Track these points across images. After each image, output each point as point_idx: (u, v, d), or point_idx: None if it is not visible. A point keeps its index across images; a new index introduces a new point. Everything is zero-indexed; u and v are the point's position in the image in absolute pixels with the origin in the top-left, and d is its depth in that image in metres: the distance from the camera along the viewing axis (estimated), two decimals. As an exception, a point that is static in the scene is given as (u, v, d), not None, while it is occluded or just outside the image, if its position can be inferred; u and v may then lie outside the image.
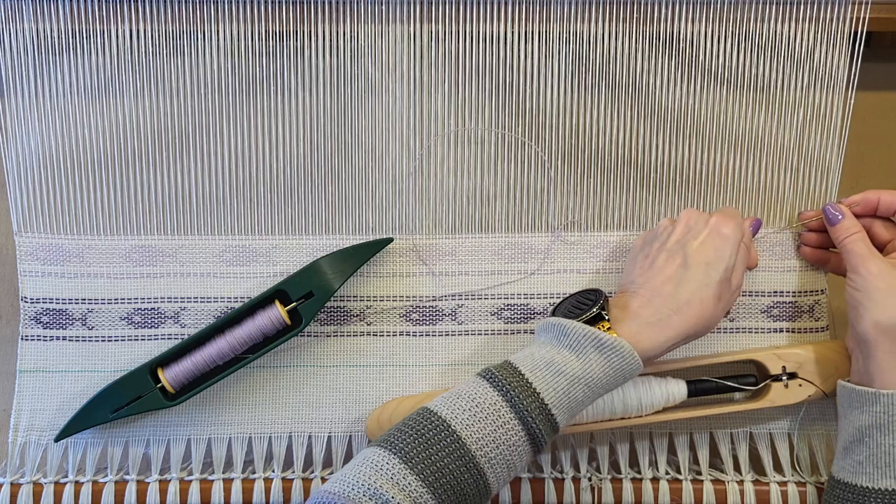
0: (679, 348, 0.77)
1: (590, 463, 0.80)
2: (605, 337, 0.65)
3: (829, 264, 0.78)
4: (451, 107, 0.77)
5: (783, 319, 0.80)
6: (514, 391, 0.63)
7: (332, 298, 0.78)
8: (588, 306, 0.68)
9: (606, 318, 0.67)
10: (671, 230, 0.72)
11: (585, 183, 0.78)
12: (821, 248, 0.78)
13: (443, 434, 0.62)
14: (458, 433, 0.62)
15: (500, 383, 0.64)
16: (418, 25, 0.75)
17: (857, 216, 0.74)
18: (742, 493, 0.79)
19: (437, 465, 0.61)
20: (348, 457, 0.80)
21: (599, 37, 0.75)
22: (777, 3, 0.75)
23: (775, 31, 0.75)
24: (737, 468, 0.80)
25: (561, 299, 0.74)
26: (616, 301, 0.70)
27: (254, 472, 0.79)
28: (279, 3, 0.74)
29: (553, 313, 0.71)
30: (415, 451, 0.61)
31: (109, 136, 0.77)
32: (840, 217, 0.74)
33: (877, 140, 0.84)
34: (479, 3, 0.75)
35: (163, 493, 0.78)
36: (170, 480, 0.78)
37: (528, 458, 0.65)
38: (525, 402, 0.63)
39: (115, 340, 0.78)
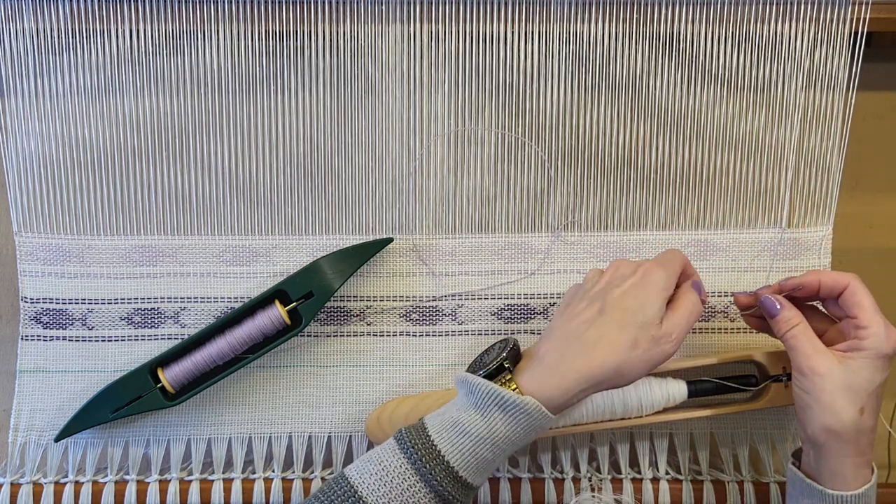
0: (679, 348, 0.76)
1: (590, 463, 0.80)
2: (508, 396, 0.63)
3: (767, 329, 0.73)
4: (451, 107, 0.77)
5: (783, 320, 0.80)
6: (417, 453, 0.62)
7: (332, 298, 0.78)
8: (496, 357, 0.66)
9: (508, 367, 0.65)
10: (597, 280, 0.68)
11: (585, 183, 0.78)
12: (760, 318, 0.73)
13: (349, 500, 0.62)
14: (365, 499, 0.61)
15: (405, 445, 0.63)
16: (418, 25, 0.75)
17: (799, 299, 0.70)
18: (742, 493, 0.79)
19: None
20: (348, 457, 0.80)
21: (599, 37, 0.75)
22: (777, 4, 0.74)
23: (775, 32, 0.75)
24: (737, 468, 0.80)
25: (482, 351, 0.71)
26: (528, 348, 0.68)
27: (254, 472, 0.79)
28: (279, 3, 0.74)
29: (471, 365, 0.69)
30: None
31: (109, 136, 0.77)
32: (779, 308, 0.69)
33: (877, 140, 0.84)
34: (479, 3, 0.75)
35: (163, 493, 0.78)
36: (170, 480, 0.79)
37: None
38: (429, 465, 0.62)
39: (115, 340, 0.78)
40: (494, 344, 0.70)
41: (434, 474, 0.62)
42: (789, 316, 0.69)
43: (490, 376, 0.65)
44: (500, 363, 0.66)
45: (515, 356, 0.67)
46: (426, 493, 0.62)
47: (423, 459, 0.62)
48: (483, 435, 0.63)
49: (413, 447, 0.63)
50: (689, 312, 0.67)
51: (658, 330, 0.65)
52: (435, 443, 0.63)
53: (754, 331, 0.75)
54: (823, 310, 0.73)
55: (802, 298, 0.71)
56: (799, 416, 0.68)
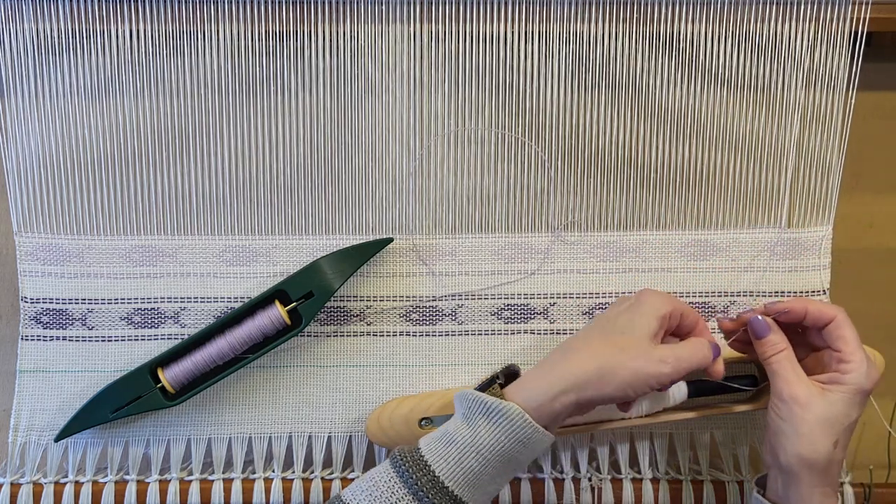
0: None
1: (590, 463, 0.80)
2: (490, 401, 0.63)
3: (752, 353, 0.72)
4: (451, 107, 0.77)
5: (783, 320, 0.80)
6: (405, 465, 0.63)
7: (332, 298, 0.78)
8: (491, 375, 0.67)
9: (499, 382, 0.66)
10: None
11: (585, 183, 0.78)
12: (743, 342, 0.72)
13: None
14: None
15: (395, 460, 0.64)
16: (418, 25, 0.75)
17: (783, 324, 0.70)
18: (742, 493, 0.79)
19: None
20: (348, 457, 0.80)
21: (599, 37, 0.75)
22: (777, 4, 0.74)
23: (775, 32, 0.75)
24: (737, 468, 0.80)
25: None
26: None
27: (254, 472, 0.79)
28: (279, 3, 0.74)
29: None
30: None
31: (109, 136, 0.77)
32: (767, 331, 0.69)
33: (877, 140, 0.84)
34: (479, 3, 0.75)
35: (163, 493, 0.78)
36: (170, 480, 0.79)
37: None
38: (415, 475, 0.62)
39: (115, 340, 0.78)
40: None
41: (420, 485, 0.62)
42: (776, 340, 0.69)
43: (481, 389, 0.65)
44: (493, 378, 0.66)
45: (512, 375, 0.68)
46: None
47: (411, 471, 0.62)
48: (467, 442, 0.63)
49: (402, 460, 0.63)
50: (694, 350, 0.67)
51: (650, 346, 0.65)
52: (423, 454, 0.63)
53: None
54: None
55: (785, 324, 0.71)
56: (771, 442, 0.68)
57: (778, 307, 0.70)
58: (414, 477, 0.62)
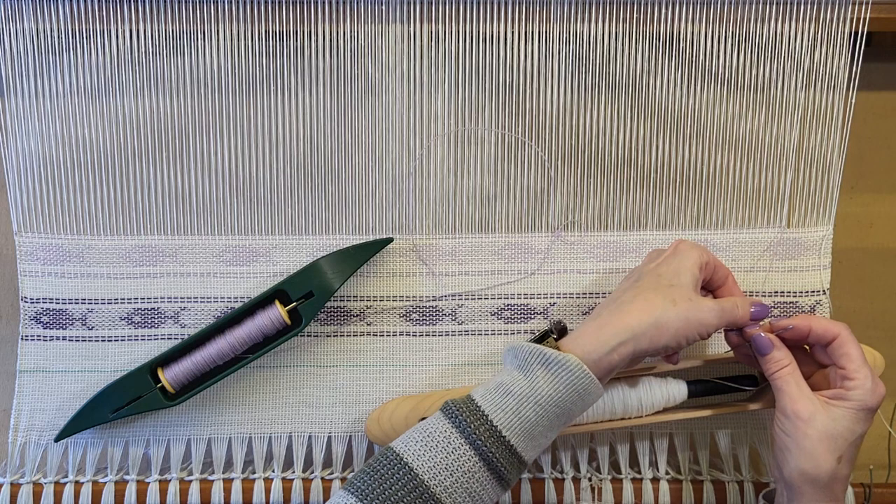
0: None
1: (590, 463, 0.80)
2: (550, 352, 0.64)
3: (757, 367, 0.72)
4: (451, 107, 0.77)
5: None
6: (461, 416, 0.63)
7: (332, 298, 0.78)
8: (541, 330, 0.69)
9: (553, 336, 0.67)
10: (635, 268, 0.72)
11: (585, 183, 0.78)
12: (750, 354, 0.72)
13: (396, 467, 0.62)
14: (410, 464, 0.62)
15: (450, 411, 0.64)
16: (418, 25, 0.75)
17: (787, 341, 0.70)
18: (742, 493, 0.79)
19: (392, 498, 0.60)
20: (348, 457, 0.80)
21: (599, 37, 0.75)
22: (777, 4, 0.74)
23: (776, 32, 0.75)
24: (737, 468, 0.80)
25: None
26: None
27: (254, 472, 0.79)
28: (279, 3, 0.74)
29: None
30: (370, 487, 0.61)
31: (109, 136, 0.77)
32: (770, 348, 0.69)
33: (877, 140, 0.84)
34: (479, 3, 0.75)
35: (163, 493, 0.78)
36: (170, 480, 0.79)
37: (493, 484, 0.63)
38: (473, 425, 0.62)
39: (115, 340, 0.78)
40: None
41: (479, 434, 0.62)
42: (780, 356, 0.69)
43: (536, 342, 0.66)
44: (546, 332, 0.67)
45: (562, 331, 0.69)
46: (471, 455, 0.62)
47: (468, 420, 0.62)
48: (526, 393, 0.63)
49: (458, 411, 0.63)
50: (733, 305, 0.69)
51: (698, 296, 0.67)
52: (479, 405, 0.63)
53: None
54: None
55: (790, 341, 0.70)
56: (776, 456, 0.68)
57: (782, 323, 0.70)
58: (472, 426, 0.62)
